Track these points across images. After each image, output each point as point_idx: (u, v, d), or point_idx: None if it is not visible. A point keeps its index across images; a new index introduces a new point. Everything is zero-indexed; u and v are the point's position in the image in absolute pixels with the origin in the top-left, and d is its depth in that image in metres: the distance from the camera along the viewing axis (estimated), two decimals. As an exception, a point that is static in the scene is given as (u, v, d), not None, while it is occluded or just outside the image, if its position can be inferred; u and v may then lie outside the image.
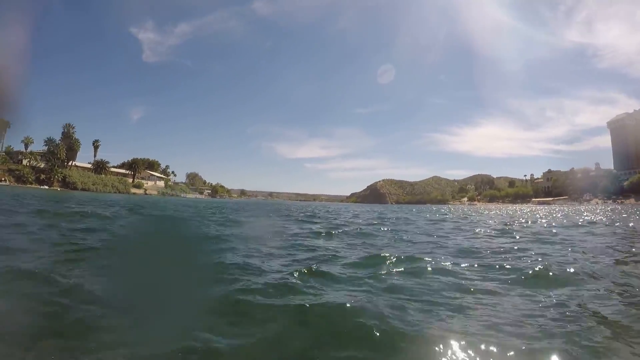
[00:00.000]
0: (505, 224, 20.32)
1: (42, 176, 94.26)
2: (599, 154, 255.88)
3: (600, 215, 30.40)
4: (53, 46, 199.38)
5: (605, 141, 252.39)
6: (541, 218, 28.14)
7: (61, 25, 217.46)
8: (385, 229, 15.82)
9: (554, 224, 20.48)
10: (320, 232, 12.99)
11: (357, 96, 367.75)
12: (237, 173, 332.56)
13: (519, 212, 44.74)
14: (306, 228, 15.20)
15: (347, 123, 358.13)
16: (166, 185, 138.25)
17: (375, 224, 19.57)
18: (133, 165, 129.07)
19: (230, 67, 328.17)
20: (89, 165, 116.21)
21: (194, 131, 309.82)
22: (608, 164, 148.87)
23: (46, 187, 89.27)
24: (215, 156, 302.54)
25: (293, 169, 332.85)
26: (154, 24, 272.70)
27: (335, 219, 23.58)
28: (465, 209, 74.31)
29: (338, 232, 13.28)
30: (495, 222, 23.07)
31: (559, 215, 33.73)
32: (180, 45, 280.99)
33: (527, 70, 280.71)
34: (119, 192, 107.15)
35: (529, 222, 22.93)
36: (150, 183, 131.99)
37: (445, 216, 32.13)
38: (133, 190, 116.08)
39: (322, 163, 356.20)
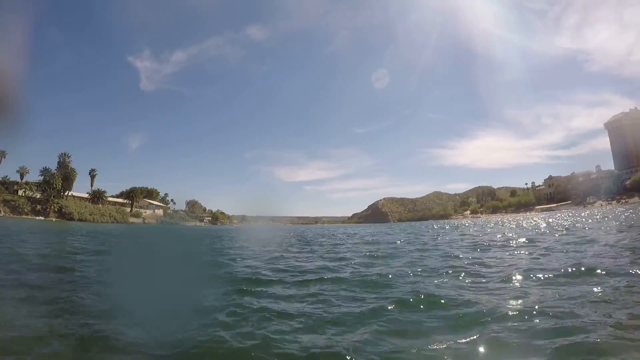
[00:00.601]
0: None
1: (38, 207, 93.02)
2: (597, 156, 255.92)
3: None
4: (49, 74, 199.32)
5: (602, 143, 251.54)
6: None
7: (58, 53, 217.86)
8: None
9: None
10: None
11: (353, 116, 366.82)
12: (237, 199, 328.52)
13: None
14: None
15: (345, 143, 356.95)
16: (165, 214, 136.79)
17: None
18: (131, 195, 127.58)
19: (226, 92, 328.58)
20: (87, 195, 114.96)
21: (193, 158, 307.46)
22: (608, 165, 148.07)
23: (41, 217, 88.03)
24: (215, 182, 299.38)
25: (293, 192, 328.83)
26: (151, 53, 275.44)
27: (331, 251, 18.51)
28: (466, 223, 73.36)
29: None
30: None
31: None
32: (176, 73, 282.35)
33: (521, 79, 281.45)
34: (117, 221, 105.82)
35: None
36: (148, 212, 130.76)
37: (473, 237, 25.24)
38: (131, 219, 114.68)
39: (323, 185, 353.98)
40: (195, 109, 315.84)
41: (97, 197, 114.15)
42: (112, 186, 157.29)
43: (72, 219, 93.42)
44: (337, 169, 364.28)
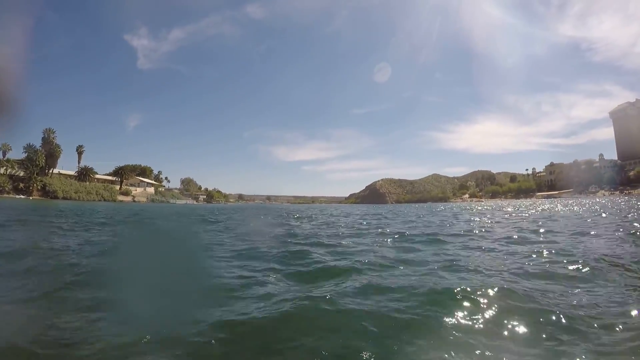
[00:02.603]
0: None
1: (21, 185, 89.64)
2: (597, 146, 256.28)
3: None
4: (45, 52, 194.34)
5: (602, 133, 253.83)
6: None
7: (54, 32, 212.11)
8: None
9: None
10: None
11: (353, 97, 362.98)
12: (234, 177, 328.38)
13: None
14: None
15: (344, 124, 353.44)
16: (156, 192, 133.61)
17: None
18: (120, 172, 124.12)
19: (225, 71, 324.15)
20: (74, 173, 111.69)
21: (191, 137, 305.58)
22: (608, 155, 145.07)
23: (22, 196, 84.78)
24: (213, 162, 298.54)
25: (291, 171, 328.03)
26: (148, 31, 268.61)
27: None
28: (477, 207, 69.87)
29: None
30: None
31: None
32: (174, 51, 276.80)
33: (522, 65, 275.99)
34: (105, 199, 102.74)
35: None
36: (139, 190, 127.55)
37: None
38: (120, 197, 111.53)
39: (320, 165, 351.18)
40: (193, 88, 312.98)
41: (84, 174, 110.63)
42: (109, 165, 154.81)
43: (56, 198, 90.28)
44: (335, 149, 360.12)
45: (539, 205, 58.55)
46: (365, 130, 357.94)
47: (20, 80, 3.07)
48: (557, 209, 37.23)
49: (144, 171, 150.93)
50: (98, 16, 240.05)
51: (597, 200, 70.57)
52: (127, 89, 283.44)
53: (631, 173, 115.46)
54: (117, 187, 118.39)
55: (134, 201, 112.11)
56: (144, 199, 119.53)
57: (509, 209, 39.10)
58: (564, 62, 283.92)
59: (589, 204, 46.94)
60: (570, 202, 65.63)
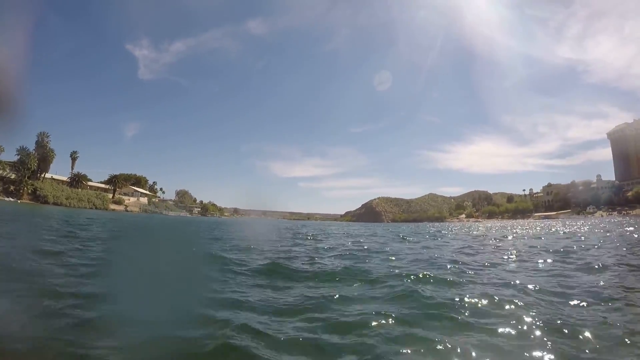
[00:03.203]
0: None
1: (11, 187, 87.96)
2: (593, 166, 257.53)
3: None
4: (47, 60, 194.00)
5: (598, 154, 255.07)
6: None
7: (56, 36, 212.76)
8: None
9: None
10: None
11: (350, 114, 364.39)
12: (230, 191, 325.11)
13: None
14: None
15: (341, 142, 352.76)
16: (149, 202, 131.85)
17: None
18: (113, 180, 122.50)
19: (224, 85, 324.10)
20: (67, 179, 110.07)
21: (188, 149, 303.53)
22: (605, 176, 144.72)
23: (12, 199, 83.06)
24: (209, 174, 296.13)
25: (287, 187, 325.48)
26: (150, 42, 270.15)
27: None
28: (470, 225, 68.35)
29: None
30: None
31: None
32: (175, 63, 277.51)
33: (519, 86, 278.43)
34: (96, 207, 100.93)
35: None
36: (132, 199, 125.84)
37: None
38: (112, 206, 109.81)
39: (317, 182, 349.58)
40: (192, 100, 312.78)
41: (76, 180, 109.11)
42: (105, 174, 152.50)
43: (46, 203, 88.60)
44: (332, 166, 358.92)
45: (553, 226, 56.10)
46: (361, 148, 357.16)
47: (21, 81, 3.00)
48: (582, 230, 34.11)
49: (138, 181, 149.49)
50: (101, 23, 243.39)
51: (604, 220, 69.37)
52: (126, 98, 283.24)
53: (629, 194, 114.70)
54: (110, 195, 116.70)
55: (127, 211, 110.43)
56: (137, 209, 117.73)
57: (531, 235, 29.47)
58: (561, 83, 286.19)
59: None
60: (580, 222, 64.21)
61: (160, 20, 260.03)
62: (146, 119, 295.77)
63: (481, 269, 10.09)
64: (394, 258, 12.56)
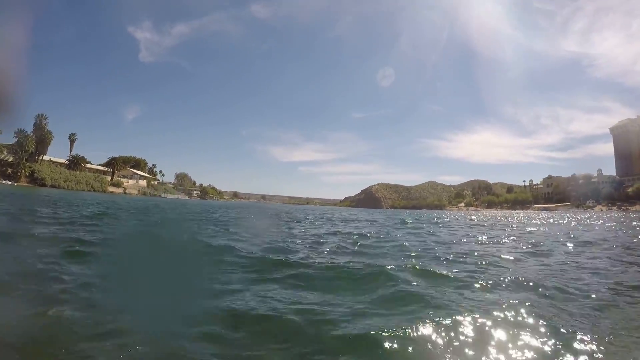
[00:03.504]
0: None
1: (9, 170, 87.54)
2: (593, 161, 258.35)
3: None
4: (48, 41, 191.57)
5: (599, 149, 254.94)
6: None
7: (58, 21, 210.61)
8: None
9: None
10: None
11: (352, 100, 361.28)
12: (230, 175, 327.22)
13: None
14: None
15: (342, 127, 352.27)
16: (148, 185, 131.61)
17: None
18: (112, 163, 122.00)
19: (226, 69, 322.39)
20: (66, 161, 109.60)
21: (189, 133, 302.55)
22: (606, 171, 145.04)
23: (9, 182, 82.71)
24: (209, 158, 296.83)
25: (287, 172, 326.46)
26: (152, 24, 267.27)
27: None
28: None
29: None
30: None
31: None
32: (177, 46, 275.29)
33: (523, 78, 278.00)
34: (95, 190, 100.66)
35: None
36: (131, 182, 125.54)
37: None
38: (111, 189, 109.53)
39: (317, 167, 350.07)
40: (193, 84, 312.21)
41: (75, 163, 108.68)
42: (104, 157, 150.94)
43: (44, 185, 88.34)
44: (332, 151, 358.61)
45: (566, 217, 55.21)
46: (362, 134, 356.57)
47: (20, 78, 2.95)
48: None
49: (138, 163, 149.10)
50: (103, 6, 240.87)
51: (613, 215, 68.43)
52: (127, 81, 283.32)
53: (630, 189, 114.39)
54: (109, 178, 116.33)
55: (125, 193, 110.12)
56: (136, 192, 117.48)
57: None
58: (565, 77, 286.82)
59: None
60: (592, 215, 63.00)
61: (162, 2, 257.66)
62: (147, 102, 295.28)
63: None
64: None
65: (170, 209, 34.47)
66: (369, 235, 15.39)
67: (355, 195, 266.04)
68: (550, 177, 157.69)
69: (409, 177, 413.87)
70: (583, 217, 55.36)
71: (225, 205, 72.14)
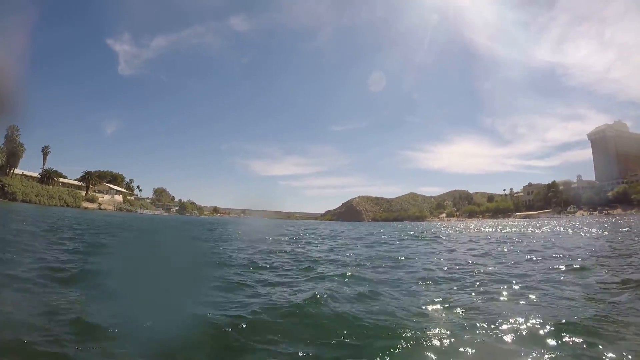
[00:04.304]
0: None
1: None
2: (571, 167, 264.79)
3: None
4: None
5: (575, 155, 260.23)
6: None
7: (34, 31, 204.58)
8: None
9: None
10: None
11: (331, 114, 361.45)
12: (211, 190, 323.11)
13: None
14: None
15: (322, 140, 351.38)
16: (124, 200, 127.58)
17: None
18: (86, 177, 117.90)
19: (206, 82, 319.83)
20: (38, 175, 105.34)
21: (168, 147, 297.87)
22: (585, 176, 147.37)
23: (-24, 196, 78.71)
24: (189, 173, 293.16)
25: (267, 186, 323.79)
26: (131, 36, 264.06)
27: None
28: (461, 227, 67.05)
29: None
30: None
31: None
32: (156, 58, 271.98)
33: (499, 88, 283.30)
34: (68, 205, 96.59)
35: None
36: (107, 197, 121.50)
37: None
38: (85, 204, 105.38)
39: (297, 180, 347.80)
40: (173, 97, 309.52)
41: (47, 177, 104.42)
42: (81, 172, 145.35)
43: (15, 200, 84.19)
44: (312, 165, 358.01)
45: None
46: (342, 147, 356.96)
47: (20, 81, 2.92)
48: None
49: (115, 178, 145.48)
50: (81, 17, 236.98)
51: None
52: (105, 94, 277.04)
53: (610, 194, 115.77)
54: (83, 193, 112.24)
55: (100, 209, 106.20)
56: (111, 207, 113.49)
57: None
58: (540, 86, 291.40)
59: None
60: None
61: (142, 14, 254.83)
62: (126, 116, 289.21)
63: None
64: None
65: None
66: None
67: (337, 209, 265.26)
68: (530, 184, 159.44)
69: (390, 190, 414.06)
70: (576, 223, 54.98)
71: (200, 221, 69.06)
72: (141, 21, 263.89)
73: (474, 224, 71.45)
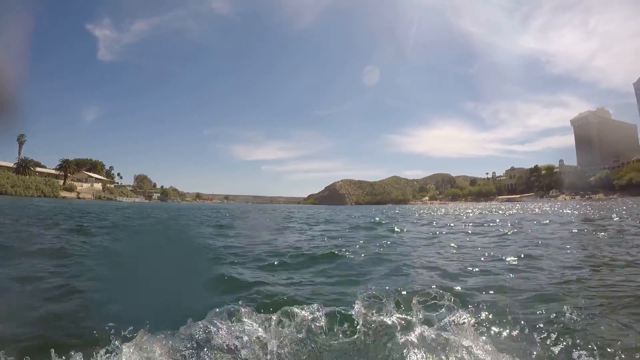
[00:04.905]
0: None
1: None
2: (552, 153, 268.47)
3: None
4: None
5: (556, 141, 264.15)
6: None
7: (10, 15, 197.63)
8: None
9: None
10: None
11: (315, 98, 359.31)
12: (193, 177, 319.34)
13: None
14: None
15: (304, 125, 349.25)
16: (104, 189, 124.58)
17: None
18: (64, 166, 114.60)
19: (187, 66, 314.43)
20: (14, 165, 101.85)
21: (149, 134, 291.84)
22: (567, 161, 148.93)
23: (-53, 189, 75.71)
24: (171, 160, 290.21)
25: (251, 171, 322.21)
26: (111, 21, 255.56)
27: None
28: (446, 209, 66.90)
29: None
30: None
31: None
32: (136, 43, 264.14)
33: (483, 73, 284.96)
34: (45, 195, 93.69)
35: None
36: (85, 186, 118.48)
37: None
38: (63, 193, 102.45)
39: (280, 165, 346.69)
40: (154, 82, 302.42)
41: (23, 167, 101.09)
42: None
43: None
44: (295, 149, 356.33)
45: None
46: (325, 131, 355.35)
47: (20, 82, 2.91)
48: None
49: (94, 166, 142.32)
50: (60, 1, 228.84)
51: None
52: (86, 80, 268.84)
53: (591, 179, 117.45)
54: (61, 182, 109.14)
55: (79, 198, 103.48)
56: (90, 196, 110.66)
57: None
58: (524, 73, 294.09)
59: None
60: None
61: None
62: (106, 102, 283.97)
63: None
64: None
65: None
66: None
67: (320, 193, 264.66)
68: (512, 168, 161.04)
69: (373, 173, 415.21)
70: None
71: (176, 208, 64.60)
72: (121, 4, 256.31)
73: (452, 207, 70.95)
